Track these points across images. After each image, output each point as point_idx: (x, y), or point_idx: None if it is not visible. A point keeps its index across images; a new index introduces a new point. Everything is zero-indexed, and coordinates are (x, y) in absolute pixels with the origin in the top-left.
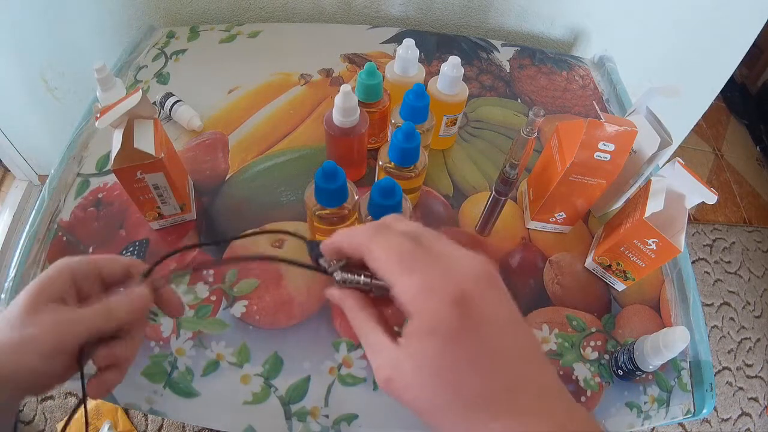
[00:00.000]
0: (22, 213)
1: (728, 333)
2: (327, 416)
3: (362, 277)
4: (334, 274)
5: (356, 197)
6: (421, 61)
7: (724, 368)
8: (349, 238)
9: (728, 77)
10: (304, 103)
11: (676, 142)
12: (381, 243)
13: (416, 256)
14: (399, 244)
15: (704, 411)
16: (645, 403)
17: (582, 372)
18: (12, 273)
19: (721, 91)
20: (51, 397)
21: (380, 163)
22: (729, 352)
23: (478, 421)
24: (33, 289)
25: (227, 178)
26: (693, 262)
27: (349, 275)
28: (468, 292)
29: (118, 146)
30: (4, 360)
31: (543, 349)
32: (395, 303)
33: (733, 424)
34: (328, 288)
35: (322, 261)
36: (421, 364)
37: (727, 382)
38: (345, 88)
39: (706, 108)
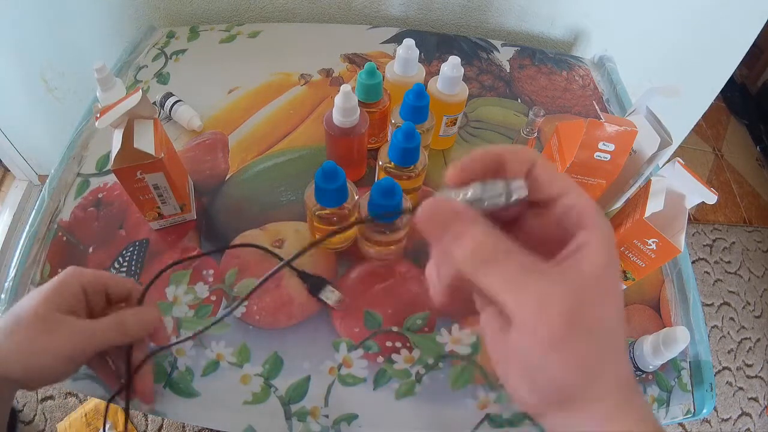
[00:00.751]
0: (22, 213)
1: (728, 333)
2: (327, 416)
3: (503, 183)
4: (469, 186)
5: (356, 197)
6: (421, 61)
7: (724, 368)
8: (511, 148)
9: (728, 77)
10: (304, 103)
11: (676, 142)
12: (547, 162)
13: None
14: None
15: (704, 411)
16: None
17: None
18: (12, 273)
19: (721, 91)
20: (51, 397)
21: (380, 163)
22: (729, 352)
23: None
24: (48, 297)
25: (227, 178)
26: (693, 262)
27: (490, 183)
28: None
29: (118, 146)
30: (20, 362)
31: None
32: (557, 213)
33: (733, 424)
34: (434, 197)
35: (322, 295)
36: (607, 284)
37: (727, 382)
38: (345, 88)
39: (706, 108)
